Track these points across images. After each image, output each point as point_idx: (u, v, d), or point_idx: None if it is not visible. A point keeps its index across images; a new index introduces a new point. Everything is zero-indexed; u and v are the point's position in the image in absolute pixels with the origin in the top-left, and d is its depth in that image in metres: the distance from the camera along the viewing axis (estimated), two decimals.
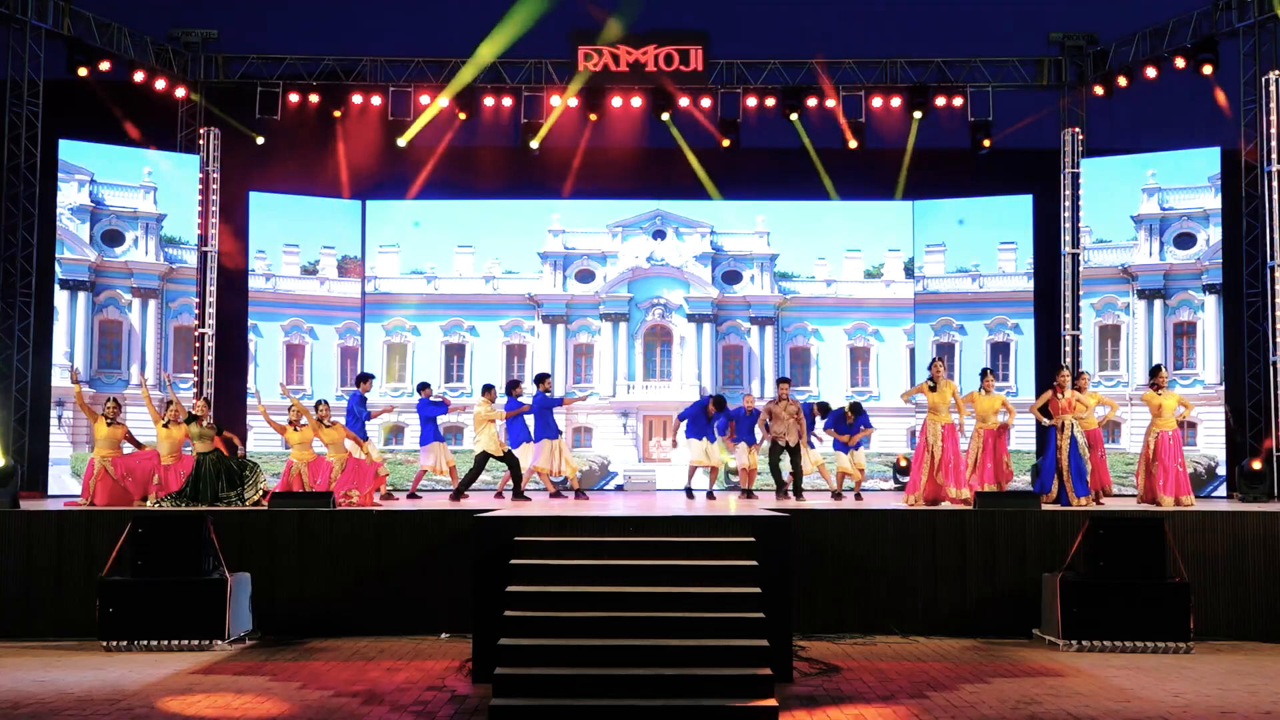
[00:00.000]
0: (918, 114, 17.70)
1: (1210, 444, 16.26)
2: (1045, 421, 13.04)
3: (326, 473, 13.16)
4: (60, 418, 15.92)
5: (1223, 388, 16.19)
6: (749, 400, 15.02)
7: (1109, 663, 9.62)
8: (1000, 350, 17.94)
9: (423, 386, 15.36)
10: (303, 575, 11.06)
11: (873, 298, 18.58)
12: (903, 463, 17.51)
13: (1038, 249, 17.83)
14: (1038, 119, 18.41)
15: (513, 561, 9.00)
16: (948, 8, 31.01)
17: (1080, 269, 17.21)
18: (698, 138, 18.46)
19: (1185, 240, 16.73)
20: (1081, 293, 17.20)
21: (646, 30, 17.38)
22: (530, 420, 14.71)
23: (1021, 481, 15.12)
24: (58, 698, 8.29)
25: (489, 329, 18.57)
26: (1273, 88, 15.25)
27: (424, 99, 17.60)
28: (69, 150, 16.34)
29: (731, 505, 12.55)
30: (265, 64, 17.79)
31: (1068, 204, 17.32)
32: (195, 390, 16.75)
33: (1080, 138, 17.48)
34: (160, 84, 17.20)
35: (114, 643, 10.07)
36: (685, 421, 14.66)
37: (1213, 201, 16.50)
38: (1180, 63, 16.40)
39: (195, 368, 17.02)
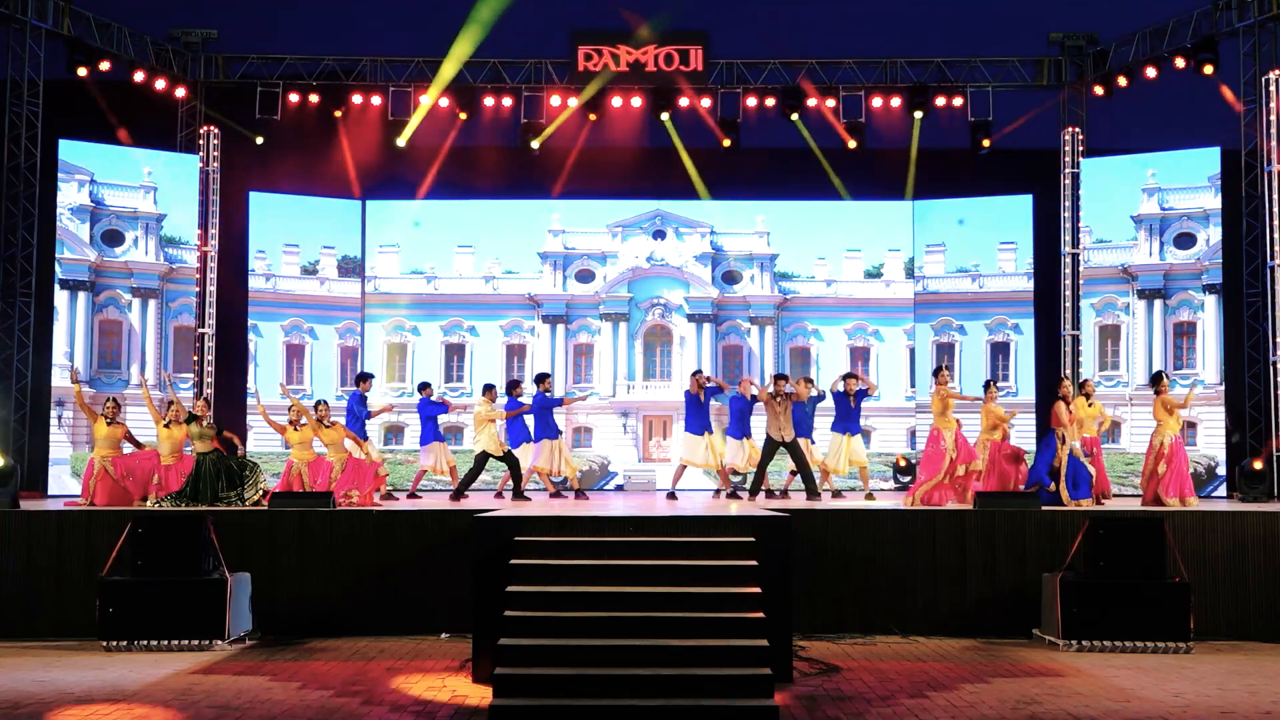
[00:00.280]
0: (918, 114, 17.71)
1: (1210, 444, 16.25)
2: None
3: (326, 473, 13.16)
4: (60, 418, 15.92)
5: (1223, 388, 16.19)
6: (745, 385, 14.62)
7: (1109, 663, 9.62)
8: (1000, 350, 17.94)
9: (423, 386, 15.37)
10: (303, 575, 11.06)
11: (873, 298, 18.58)
12: (902, 463, 17.51)
13: (1038, 249, 17.83)
14: (1038, 119, 18.42)
15: (513, 561, 9.00)
16: (948, 8, 31.02)
17: (1080, 269, 17.21)
18: (698, 138, 18.48)
19: (1185, 240, 16.73)
20: (1081, 293, 17.20)
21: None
22: (530, 420, 14.72)
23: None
24: (58, 698, 8.29)
25: (489, 329, 18.57)
26: (1273, 88, 15.25)
27: (424, 99, 17.61)
28: (69, 150, 16.34)
29: (732, 505, 12.54)
30: (265, 64, 17.79)
31: (1068, 204, 17.32)
32: (195, 390, 16.75)
33: (1080, 138, 17.48)
34: (160, 84, 17.20)
35: (114, 643, 10.07)
36: (686, 416, 14.56)
37: (1213, 201, 16.50)
38: (1180, 63, 16.40)
39: (195, 368, 17.02)
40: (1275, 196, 15.18)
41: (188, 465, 13.02)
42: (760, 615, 8.51)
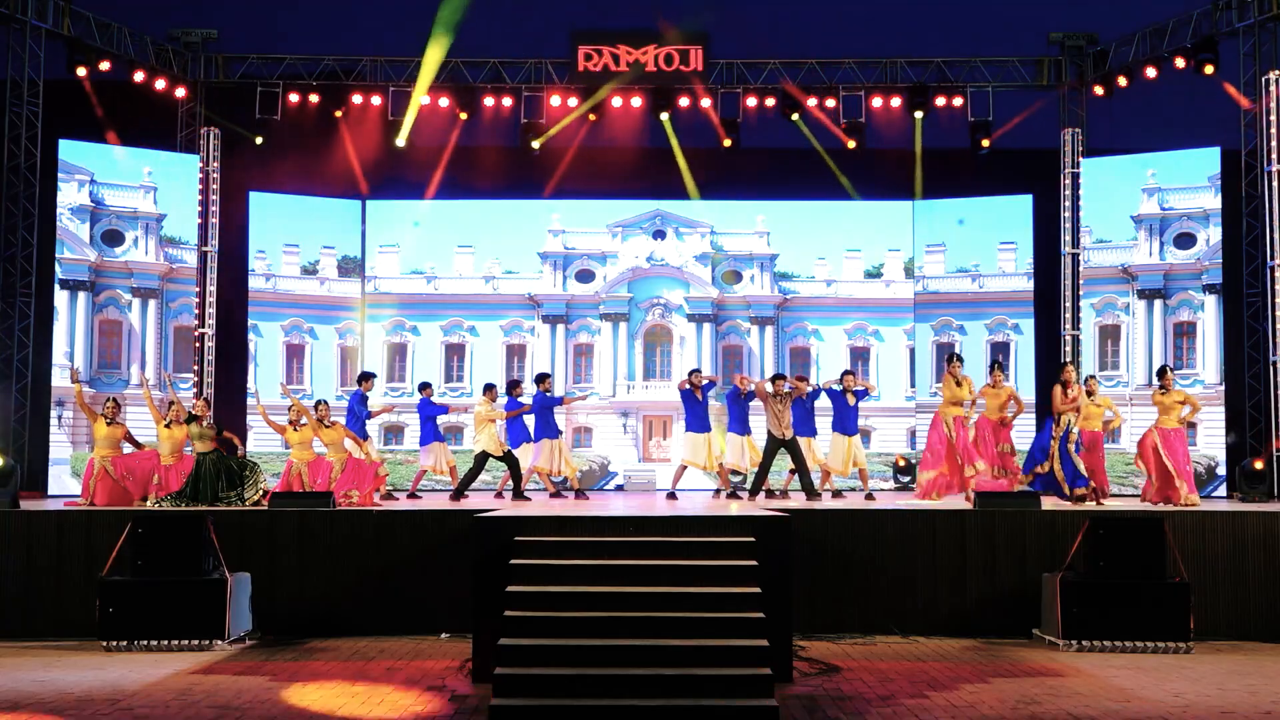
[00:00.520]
0: (918, 114, 17.71)
1: (1210, 444, 16.26)
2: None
3: (326, 473, 13.16)
4: (60, 418, 15.92)
5: (1223, 388, 16.19)
6: (743, 380, 14.44)
7: (1109, 663, 9.62)
8: (1000, 350, 17.93)
9: (424, 386, 15.37)
10: (303, 575, 11.06)
11: (873, 298, 18.58)
12: (901, 463, 17.51)
13: (1038, 249, 17.83)
14: (1038, 119, 18.42)
15: (513, 561, 9.00)
16: (948, 8, 31.01)
17: (1080, 269, 17.21)
18: (698, 138, 18.48)
19: (1185, 240, 16.73)
20: (1081, 293, 17.20)
21: (647, 30, 17.40)
22: (530, 420, 14.72)
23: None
24: (58, 698, 8.29)
25: (489, 329, 18.57)
26: (1273, 88, 15.25)
27: (424, 99, 17.62)
28: (69, 150, 16.34)
29: (732, 505, 12.54)
30: (265, 64, 17.79)
31: (1068, 204, 17.33)
32: (195, 390, 16.75)
33: (1080, 138, 17.48)
34: (160, 84, 17.20)
35: (114, 643, 10.07)
36: (686, 416, 14.49)
37: (1213, 201, 16.50)
38: (1180, 63, 16.40)
39: (195, 368, 17.02)
40: (1275, 196, 15.19)
41: (188, 465, 13.02)
42: (760, 615, 8.51)
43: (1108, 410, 13.50)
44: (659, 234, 18.75)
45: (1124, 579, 10.19)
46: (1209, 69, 16.09)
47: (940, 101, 17.71)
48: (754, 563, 9.01)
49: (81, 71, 16.27)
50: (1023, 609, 10.85)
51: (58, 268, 16.13)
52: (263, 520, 11.32)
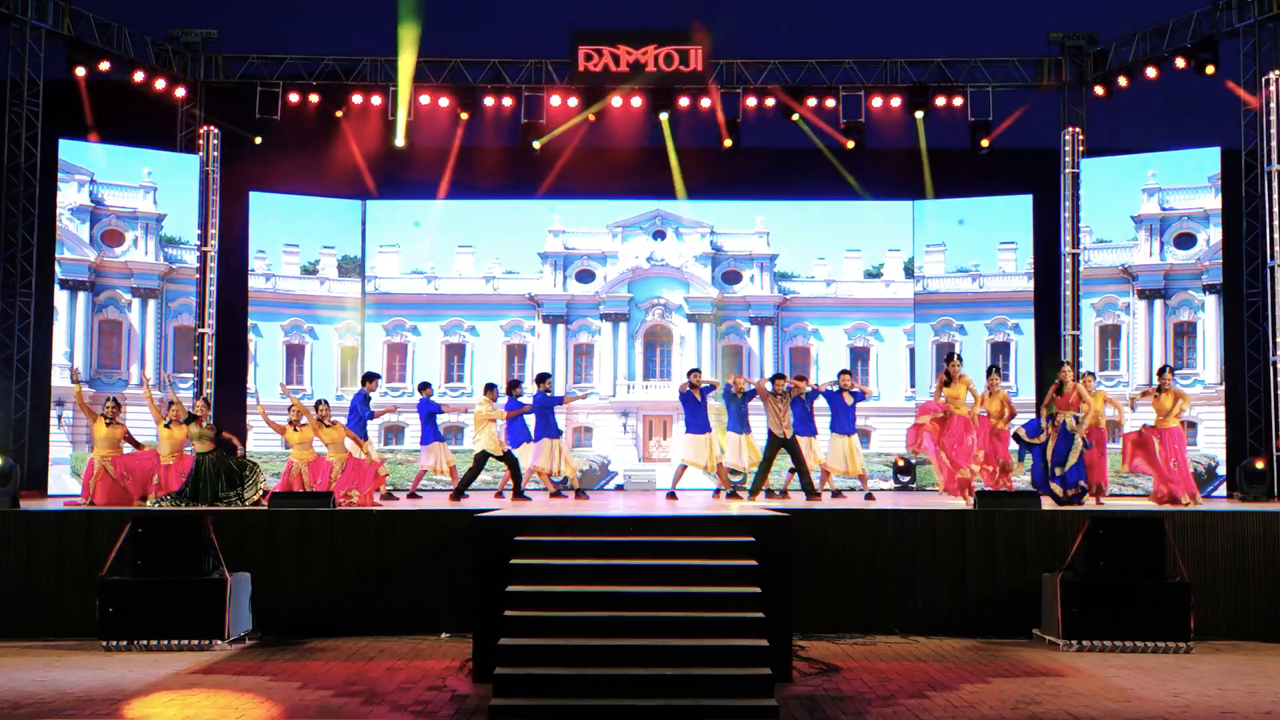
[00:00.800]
0: (918, 114, 17.71)
1: (1210, 444, 16.25)
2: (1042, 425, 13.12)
3: (326, 473, 13.16)
4: (60, 418, 15.92)
5: (1223, 388, 16.19)
6: (738, 380, 14.30)
7: (1109, 663, 9.62)
8: (1000, 350, 17.93)
9: (423, 386, 15.37)
10: (303, 575, 11.06)
11: (873, 298, 18.57)
12: (901, 463, 17.50)
13: (1038, 249, 17.82)
14: (1038, 119, 18.42)
15: (513, 561, 9.00)
16: (948, 8, 31.01)
17: (1080, 269, 17.21)
18: (698, 138, 18.48)
19: (1185, 240, 16.73)
20: (1081, 293, 17.20)
21: (647, 30, 17.41)
22: (530, 420, 14.71)
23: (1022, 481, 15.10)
24: (58, 698, 8.28)
25: (489, 329, 18.57)
26: (1273, 88, 15.25)
27: (424, 99, 17.63)
28: (69, 150, 16.34)
29: (732, 505, 12.54)
30: (265, 64, 17.79)
31: (1068, 204, 17.32)
32: (195, 390, 16.75)
33: (1080, 138, 17.47)
34: (160, 84, 17.20)
35: (114, 643, 10.07)
36: (685, 417, 14.42)
37: (1213, 201, 16.50)
38: (1180, 63, 16.41)
39: (195, 368, 17.01)
40: (1275, 196, 15.18)
41: (187, 465, 13.03)
42: (760, 615, 8.51)
43: (1109, 406, 13.54)
44: (659, 234, 18.74)
45: (1124, 579, 10.19)
46: (1209, 69, 16.10)
47: (940, 101, 17.71)
48: (754, 563, 9.01)
49: (81, 71, 16.27)
50: (1023, 609, 10.85)
51: (58, 268, 16.12)
52: (263, 520, 11.32)
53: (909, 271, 18.38)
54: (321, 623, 10.92)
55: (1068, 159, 17.39)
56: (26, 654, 10.04)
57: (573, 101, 17.66)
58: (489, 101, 17.73)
